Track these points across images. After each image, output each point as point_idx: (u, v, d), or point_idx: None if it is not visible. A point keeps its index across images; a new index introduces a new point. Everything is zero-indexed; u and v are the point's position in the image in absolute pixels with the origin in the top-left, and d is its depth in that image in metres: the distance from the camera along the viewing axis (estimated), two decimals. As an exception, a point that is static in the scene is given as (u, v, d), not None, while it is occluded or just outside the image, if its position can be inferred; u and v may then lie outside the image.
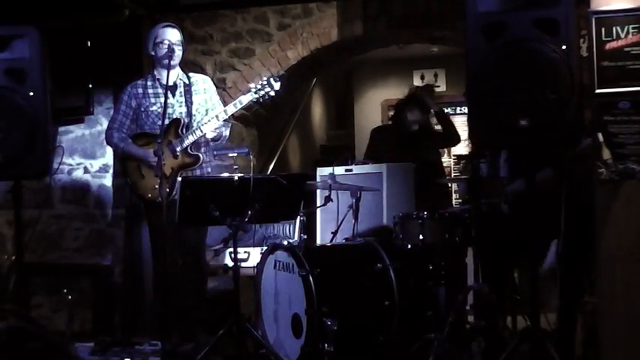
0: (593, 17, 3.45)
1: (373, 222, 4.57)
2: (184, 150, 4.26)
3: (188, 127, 4.29)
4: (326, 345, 3.56)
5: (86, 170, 5.69)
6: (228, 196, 3.73)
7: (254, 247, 4.63)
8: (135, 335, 4.82)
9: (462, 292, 3.79)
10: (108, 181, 5.65)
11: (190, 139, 4.23)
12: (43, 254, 5.54)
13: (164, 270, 4.00)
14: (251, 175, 3.75)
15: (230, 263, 4.22)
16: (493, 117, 3.09)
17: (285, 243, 3.97)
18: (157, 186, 4.00)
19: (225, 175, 4.05)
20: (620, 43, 3.43)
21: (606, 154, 3.43)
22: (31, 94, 3.57)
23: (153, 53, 4.38)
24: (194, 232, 4.30)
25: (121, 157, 4.51)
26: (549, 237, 3.89)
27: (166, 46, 4.28)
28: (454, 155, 8.76)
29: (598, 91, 3.43)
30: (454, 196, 7.21)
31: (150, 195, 4.24)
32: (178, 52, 4.34)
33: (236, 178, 3.76)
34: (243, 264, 4.45)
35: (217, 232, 4.47)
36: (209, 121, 4.22)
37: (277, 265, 3.96)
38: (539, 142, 3.08)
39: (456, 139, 5.42)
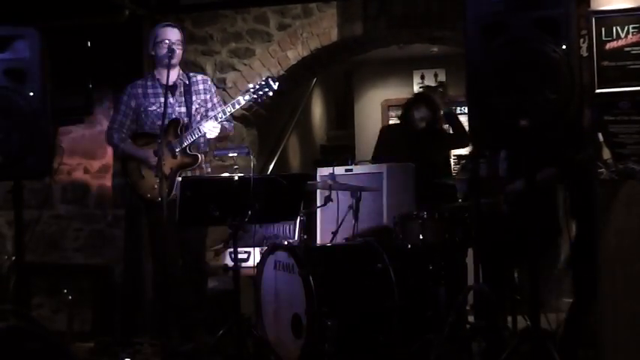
0: (594, 17, 3.46)
1: (373, 222, 4.57)
2: (183, 150, 4.26)
3: (187, 127, 4.29)
4: (326, 345, 3.56)
5: (86, 170, 5.69)
6: (228, 196, 3.73)
7: (254, 247, 4.63)
8: (135, 335, 4.82)
9: (462, 292, 3.79)
10: (108, 181, 5.65)
11: (189, 139, 4.24)
12: (43, 254, 5.54)
13: (164, 270, 4.01)
14: (251, 175, 3.75)
15: (230, 263, 4.22)
16: (493, 117, 3.08)
17: (285, 243, 3.97)
18: (156, 186, 4.00)
19: (225, 175, 4.05)
20: (620, 43, 3.43)
21: (606, 154, 3.42)
22: (31, 94, 3.55)
23: (153, 53, 4.39)
24: (194, 232, 4.30)
25: (120, 157, 4.52)
26: (549, 237, 3.89)
27: (166, 46, 4.28)
28: (454, 155, 8.74)
29: (598, 91, 3.43)
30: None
31: (150, 195, 4.24)
32: (178, 52, 4.34)
33: (236, 178, 3.76)
34: (243, 264, 4.46)
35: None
36: (207, 121, 4.23)
37: (277, 265, 3.95)
38: (539, 142, 3.08)
39: (466, 140, 5.38)
